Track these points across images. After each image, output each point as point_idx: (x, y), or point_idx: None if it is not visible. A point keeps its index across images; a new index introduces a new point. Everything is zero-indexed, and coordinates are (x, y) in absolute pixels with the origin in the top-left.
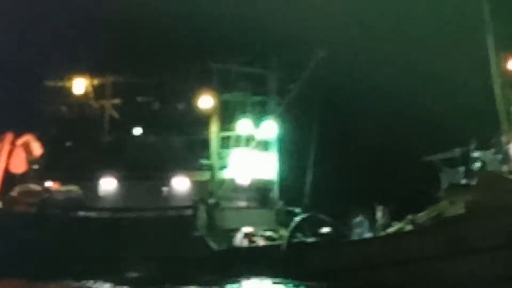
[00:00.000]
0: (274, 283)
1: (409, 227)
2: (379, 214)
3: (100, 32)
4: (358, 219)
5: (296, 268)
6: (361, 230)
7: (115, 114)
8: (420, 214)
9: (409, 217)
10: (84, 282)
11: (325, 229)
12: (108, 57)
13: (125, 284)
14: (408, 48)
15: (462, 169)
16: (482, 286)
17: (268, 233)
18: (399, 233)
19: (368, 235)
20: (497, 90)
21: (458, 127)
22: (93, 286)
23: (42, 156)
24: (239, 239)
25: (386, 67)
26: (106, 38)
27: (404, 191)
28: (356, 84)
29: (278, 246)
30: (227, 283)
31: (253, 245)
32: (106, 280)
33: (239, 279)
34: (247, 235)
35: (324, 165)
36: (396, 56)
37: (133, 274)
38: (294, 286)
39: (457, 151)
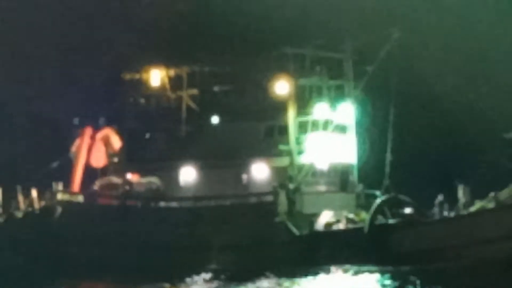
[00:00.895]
0: (357, 271)
1: (491, 205)
2: (460, 192)
3: (174, 24)
4: (439, 198)
5: (378, 251)
6: (441, 210)
7: (192, 104)
8: (502, 191)
9: (492, 194)
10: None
11: (407, 210)
12: (183, 48)
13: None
14: (485, 24)
15: None
16: None
17: (351, 216)
18: (482, 211)
19: (447, 214)
20: None
21: None
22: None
23: (122, 149)
24: (320, 224)
25: (461, 45)
26: (180, 29)
27: (486, 169)
28: (432, 63)
29: (360, 229)
30: (311, 274)
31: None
32: (194, 272)
33: (321, 268)
34: (326, 226)
35: (403, 147)
36: (471, 33)
37: (217, 264)
38: (378, 273)
39: None
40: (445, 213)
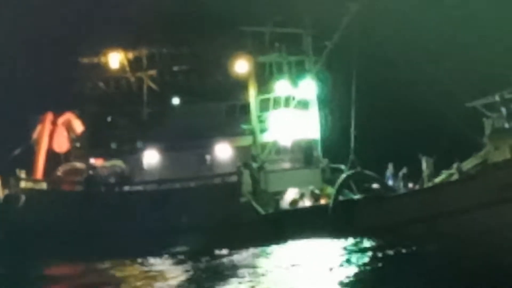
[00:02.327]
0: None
1: (455, 176)
2: (424, 165)
3: (131, 5)
4: (403, 171)
5: (344, 226)
6: (405, 183)
7: (153, 86)
8: (465, 162)
9: (455, 165)
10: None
11: (372, 185)
12: (141, 29)
13: (177, 255)
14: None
15: (505, 113)
16: None
17: (316, 191)
18: (445, 183)
19: (411, 186)
20: None
21: (500, 71)
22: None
23: (84, 133)
24: (286, 201)
25: (423, 14)
26: (137, 10)
27: (449, 140)
28: (393, 35)
29: (325, 206)
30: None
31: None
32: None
33: (288, 239)
34: (292, 203)
35: (366, 120)
36: (435, 3)
37: (183, 246)
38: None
39: (499, 95)
40: (410, 186)
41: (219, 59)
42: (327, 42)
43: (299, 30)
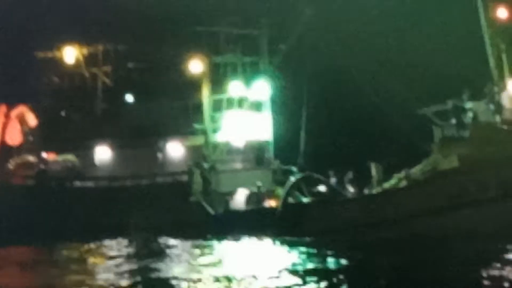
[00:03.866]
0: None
1: (403, 182)
2: (373, 170)
3: (90, 1)
4: (348, 176)
5: (292, 229)
6: (350, 187)
7: (108, 82)
8: (414, 169)
9: (404, 172)
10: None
11: (321, 188)
12: (97, 25)
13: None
14: (398, 2)
15: (454, 121)
16: (478, 238)
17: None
18: (394, 189)
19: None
20: (487, 39)
21: (450, 79)
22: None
23: (37, 127)
24: (239, 201)
25: (376, 22)
26: (94, 7)
27: (398, 146)
28: (347, 40)
29: (274, 208)
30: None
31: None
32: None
33: (236, 238)
34: (253, 195)
35: (317, 123)
36: (386, 11)
37: (132, 243)
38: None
39: (449, 103)
40: (352, 191)
41: (174, 58)
42: (281, 44)
43: (254, 31)
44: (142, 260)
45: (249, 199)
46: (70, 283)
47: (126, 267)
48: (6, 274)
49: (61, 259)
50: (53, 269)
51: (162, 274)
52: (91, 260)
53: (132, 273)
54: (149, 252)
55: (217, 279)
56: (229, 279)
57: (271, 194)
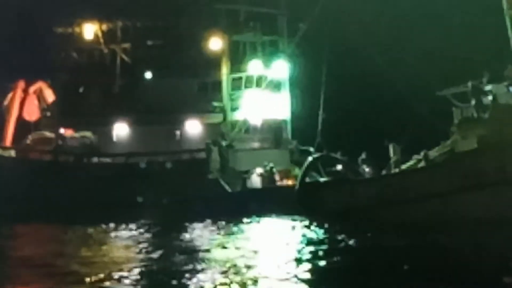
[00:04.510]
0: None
1: (422, 163)
2: (391, 151)
3: None
4: (362, 156)
5: (309, 209)
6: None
7: (126, 59)
8: (432, 150)
9: (422, 153)
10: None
11: (338, 168)
12: (117, 1)
13: (142, 228)
14: None
15: (474, 103)
16: (496, 220)
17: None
18: (412, 170)
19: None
20: (509, 21)
21: (471, 61)
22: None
23: (55, 103)
24: (256, 180)
25: (396, 3)
26: None
27: (418, 127)
28: (366, 20)
29: (291, 187)
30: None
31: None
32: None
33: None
34: (265, 173)
35: (336, 103)
36: None
37: (149, 218)
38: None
39: (469, 85)
40: (367, 170)
41: (193, 36)
42: (301, 24)
43: (274, 10)
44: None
45: (263, 178)
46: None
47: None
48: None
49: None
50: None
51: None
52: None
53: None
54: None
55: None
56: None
57: (288, 174)
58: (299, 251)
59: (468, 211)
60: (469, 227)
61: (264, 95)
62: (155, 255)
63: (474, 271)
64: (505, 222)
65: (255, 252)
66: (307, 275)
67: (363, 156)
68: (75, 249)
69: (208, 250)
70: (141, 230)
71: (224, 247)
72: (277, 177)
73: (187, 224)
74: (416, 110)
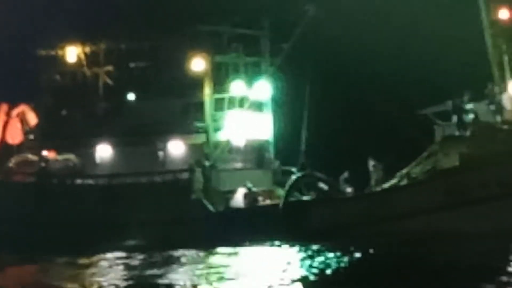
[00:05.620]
0: (272, 245)
1: (404, 181)
2: (372, 169)
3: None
4: (344, 175)
5: (293, 227)
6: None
7: (109, 81)
8: (415, 168)
9: (404, 171)
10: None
11: (321, 187)
12: (100, 24)
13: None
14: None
15: (455, 121)
16: (479, 237)
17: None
18: (395, 188)
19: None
20: (489, 40)
21: (451, 79)
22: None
23: (38, 125)
24: (238, 200)
25: (378, 22)
26: (97, 5)
27: (399, 145)
28: (349, 41)
29: (275, 206)
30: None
31: (255, 204)
32: (107, 249)
33: (237, 242)
34: (248, 195)
35: (318, 123)
36: (388, 12)
37: (132, 241)
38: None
39: (450, 103)
40: (349, 190)
41: (176, 57)
42: (283, 44)
43: (257, 32)
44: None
45: (245, 199)
46: None
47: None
48: None
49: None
50: None
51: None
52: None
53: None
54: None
55: None
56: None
57: (271, 194)
58: (290, 273)
59: (451, 227)
60: (453, 241)
61: (247, 115)
62: None
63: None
64: (486, 237)
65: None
66: None
67: (345, 175)
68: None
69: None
70: (121, 259)
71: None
72: (259, 197)
73: (170, 250)
74: (398, 128)
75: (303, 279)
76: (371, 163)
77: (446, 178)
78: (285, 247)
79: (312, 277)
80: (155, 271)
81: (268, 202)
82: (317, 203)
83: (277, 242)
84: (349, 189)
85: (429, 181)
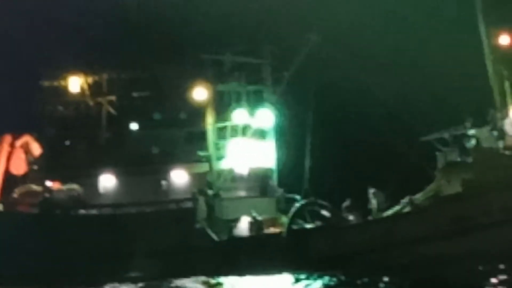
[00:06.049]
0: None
1: (407, 209)
2: (372, 197)
3: (93, 30)
4: (346, 203)
5: (297, 255)
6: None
7: (112, 111)
8: (417, 195)
9: (407, 198)
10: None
11: (325, 215)
12: (102, 54)
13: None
14: (402, 29)
15: (458, 147)
16: (483, 263)
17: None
18: (397, 215)
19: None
20: (490, 66)
21: (453, 106)
22: None
23: (42, 156)
24: (242, 228)
25: (379, 52)
26: (99, 36)
27: (402, 172)
28: (351, 67)
29: (279, 235)
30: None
31: (260, 232)
32: (112, 280)
33: (241, 271)
34: (253, 223)
35: (321, 151)
36: (389, 40)
37: (137, 271)
38: (295, 277)
39: (452, 130)
40: (351, 218)
41: (179, 86)
42: (285, 72)
43: (258, 60)
44: None
45: (250, 227)
46: None
47: None
48: None
49: None
50: None
51: None
52: None
53: None
54: None
55: None
56: None
57: (275, 222)
58: None
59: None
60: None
61: (249, 143)
62: None
63: None
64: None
65: None
66: None
67: (347, 203)
68: None
69: None
70: None
71: None
72: (263, 225)
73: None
74: (401, 155)
75: None
76: (370, 191)
77: (447, 205)
78: (289, 276)
79: None
80: None
81: (272, 230)
82: (320, 231)
83: (280, 271)
84: (351, 217)
85: (429, 209)
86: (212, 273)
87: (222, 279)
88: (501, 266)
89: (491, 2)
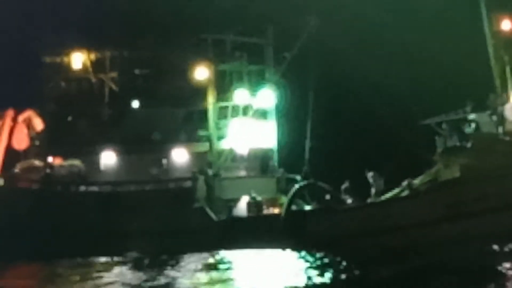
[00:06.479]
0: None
1: (405, 192)
2: (371, 180)
3: (96, 7)
4: (345, 185)
5: (294, 236)
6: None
7: (114, 88)
8: (416, 179)
9: (405, 182)
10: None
11: (324, 197)
12: (105, 31)
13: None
14: (403, 12)
15: (457, 132)
16: (479, 248)
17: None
18: (396, 199)
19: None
20: (491, 51)
21: (454, 90)
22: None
23: (44, 131)
24: (241, 208)
25: (381, 33)
26: (103, 12)
27: (401, 156)
28: (351, 49)
29: (277, 216)
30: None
31: (259, 213)
32: (111, 257)
33: (239, 247)
34: (251, 204)
35: (322, 131)
36: (391, 23)
37: (135, 248)
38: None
39: (452, 114)
40: (349, 201)
41: (180, 65)
42: (286, 53)
43: (260, 40)
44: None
45: (249, 207)
46: None
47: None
48: None
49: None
50: None
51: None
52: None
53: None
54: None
55: None
56: None
57: (275, 202)
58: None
59: (452, 237)
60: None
61: (250, 124)
62: None
63: None
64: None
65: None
66: None
67: (346, 185)
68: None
69: None
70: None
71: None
72: (263, 206)
73: (174, 257)
74: (400, 138)
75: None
76: (369, 174)
77: (444, 190)
78: (286, 253)
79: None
80: (154, 274)
81: (272, 210)
82: (317, 212)
83: (278, 249)
84: (350, 199)
85: (427, 193)
86: (210, 249)
87: (222, 253)
88: (495, 248)
89: None
